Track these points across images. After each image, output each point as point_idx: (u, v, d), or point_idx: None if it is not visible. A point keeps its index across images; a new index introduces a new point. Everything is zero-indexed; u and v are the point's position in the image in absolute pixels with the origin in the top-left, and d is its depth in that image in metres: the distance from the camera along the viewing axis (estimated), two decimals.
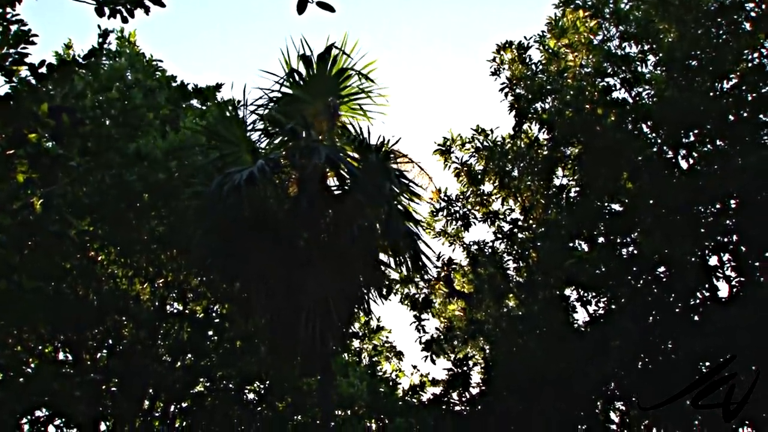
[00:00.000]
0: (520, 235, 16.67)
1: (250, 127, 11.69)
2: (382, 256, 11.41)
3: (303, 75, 11.45)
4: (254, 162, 10.42)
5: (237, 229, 10.36)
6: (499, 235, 16.80)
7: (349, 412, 15.33)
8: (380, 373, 18.08)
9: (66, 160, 10.71)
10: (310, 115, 11.29)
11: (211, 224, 10.62)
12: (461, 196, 17.10)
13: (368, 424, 16.50)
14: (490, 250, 16.57)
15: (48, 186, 10.11)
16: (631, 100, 14.33)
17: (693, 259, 13.24)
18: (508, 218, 16.80)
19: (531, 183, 16.27)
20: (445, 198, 17.21)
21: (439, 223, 17.30)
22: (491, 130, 16.63)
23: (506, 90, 16.19)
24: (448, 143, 16.95)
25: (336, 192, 11.17)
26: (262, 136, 11.86)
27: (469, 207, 17.10)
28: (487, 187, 17.01)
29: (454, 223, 17.18)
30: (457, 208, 17.18)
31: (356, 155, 11.05)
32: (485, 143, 16.56)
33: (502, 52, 16.54)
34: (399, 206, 10.89)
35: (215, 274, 11.00)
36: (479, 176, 16.84)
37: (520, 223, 16.79)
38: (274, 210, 10.99)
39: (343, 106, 11.94)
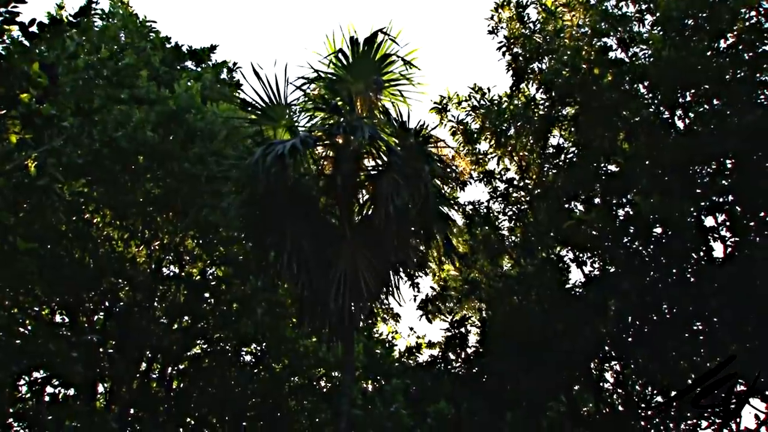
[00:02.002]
0: (515, 195, 16.65)
1: (291, 103, 11.69)
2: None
3: (348, 57, 11.40)
4: (292, 138, 10.55)
5: (275, 201, 10.47)
6: (495, 195, 16.76)
7: None
8: (376, 335, 18.19)
9: (59, 121, 10.67)
10: (353, 94, 11.34)
11: (251, 194, 10.62)
12: (457, 155, 16.99)
13: (365, 386, 16.61)
14: (485, 210, 16.54)
15: (41, 147, 10.06)
16: (627, 60, 14.17)
17: (690, 219, 13.18)
18: (504, 177, 16.74)
19: (527, 142, 16.18)
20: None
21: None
22: (488, 89, 16.51)
23: (504, 49, 16.08)
24: (444, 102, 16.84)
25: (372, 171, 11.29)
26: (302, 113, 11.85)
27: (465, 167, 17.00)
28: (483, 146, 16.94)
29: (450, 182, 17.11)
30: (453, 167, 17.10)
31: (394, 138, 11.09)
32: (482, 102, 16.42)
33: (500, 10, 16.37)
34: (434, 190, 10.97)
35: (249, 243, 11.10)
36: (475, 135, 16.75)
37: (515, 182, 16.74)
38: (310, 185, 11.23)
39: (384, 91, 11.97)
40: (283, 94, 11.38)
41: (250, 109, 11.71)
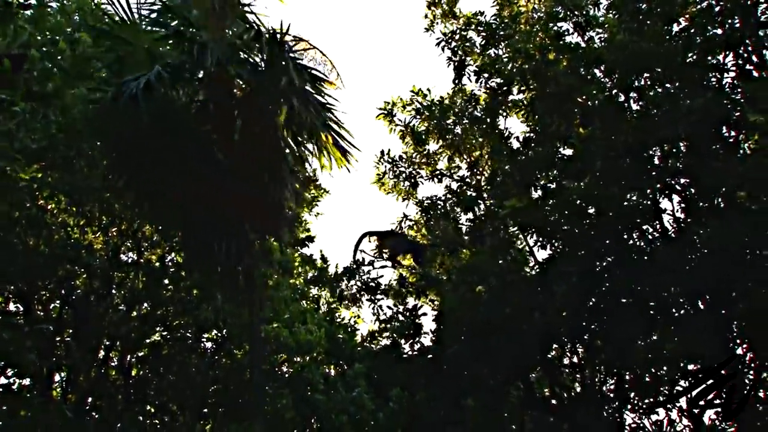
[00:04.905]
0: (468, 193, 16.86)
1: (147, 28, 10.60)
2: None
3: None
4: (152, 66, 9.53)
5: (144, 144, 9.74)
6: (449, 194, 17.03)
7: (307, 358, 15.29)
8: (339, 320, 18.17)
9: (10, 105, 10.41)
10: (202, 11, 10.47)
11: (113, 141, 10.01)
12: (405, 157, 17.36)
13: (327, 371, 16.56)
14: (441, 204, 16.73)
15: None
16: (583, 45, 14.33)
17: (645, 201, 13.47)
18: (456, 176, 17.00)
19: (474, 137, 16.42)
20: (389, 160, 17.36)
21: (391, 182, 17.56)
22: (428, 90, 16.80)
23: (443, 44, 16.35)
24: (389, 106, 17.06)
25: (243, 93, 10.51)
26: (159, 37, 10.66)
27: (415, 167, 17.35)
28: (433, 146, 17.23)
29: (401, 183, 17.47)
30: (402, 169, 17.45)
31: (258, 52, 10.17)
32: (424, 103, 16.67)
33: (433, 8, 16.61)
34: (308, 97, 10.10)
35: (129, 197, 10.44)
36: (423, 136, 17.03)
37: (467, 180, 16.97)
38: (182, 118, 10.31)
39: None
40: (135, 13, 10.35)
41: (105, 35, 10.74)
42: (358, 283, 18.46)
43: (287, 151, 10.58)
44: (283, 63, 9.64)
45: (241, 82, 10.53)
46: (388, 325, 17.90)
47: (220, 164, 10.23)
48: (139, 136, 9.78)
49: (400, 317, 17.92)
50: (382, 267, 18.51)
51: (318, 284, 18.71)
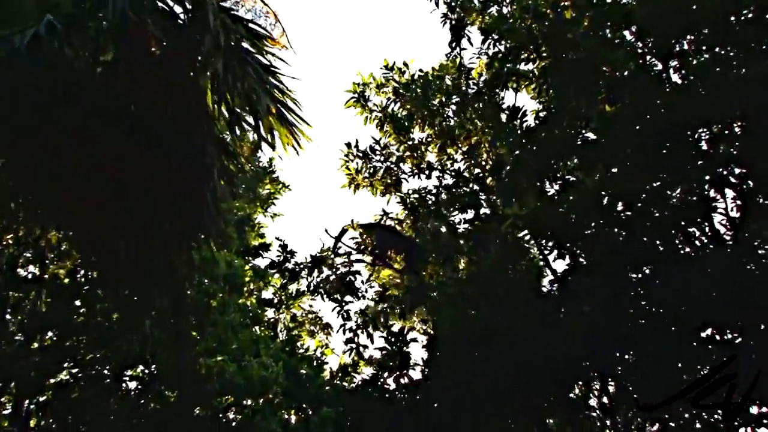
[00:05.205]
0: (464, 188, 14.36)
1: None
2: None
3: None
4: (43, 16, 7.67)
5: (29, 115, 7.60)
6: (440, 187, 14.54)
7: (261, 401, 12.90)
8: (301, 351, 15.55)
9: None
10: None
11: None
12: (378, 149, 14.69)
13: (286, 416, 13.94)
14: (432, 199, 14.10)
15: None
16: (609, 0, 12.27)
17: (691, 197, 11.53)
18: (449, 170, 14.46)
19: (470, 120, 13.86)
20: (360, 154, 15.02)
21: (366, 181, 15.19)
22: (405, 65, 14.19)
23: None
24: (359, 88, 14.40)
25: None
26: None
27: (395, 160, 14.79)
28: (419, 134, 14.77)
29: (380, 181, 14.83)
30: (378, 164, 14.85)
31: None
32: (402, 81, 14.11)
33: None
34: (245, 57, 8.20)
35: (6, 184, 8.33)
36: (405, 123, 14.36)
37: (464, 173, 14.45)
38: (83, 82, 8.10)
39: None
40: None
41: None
42: (331, 278, 15.72)
43: (221, 124, 8.55)
44: (211, 13, 7.81)
45: (160, 37, 8.49)
46: (355, 343, 15.10)
47: (131, 140, 8.05)
48: (22, 105, 7.71)
49: (378, 336, 15.24)
50: (358, 261, 15.90)
51: (277, 272, 15.99)
